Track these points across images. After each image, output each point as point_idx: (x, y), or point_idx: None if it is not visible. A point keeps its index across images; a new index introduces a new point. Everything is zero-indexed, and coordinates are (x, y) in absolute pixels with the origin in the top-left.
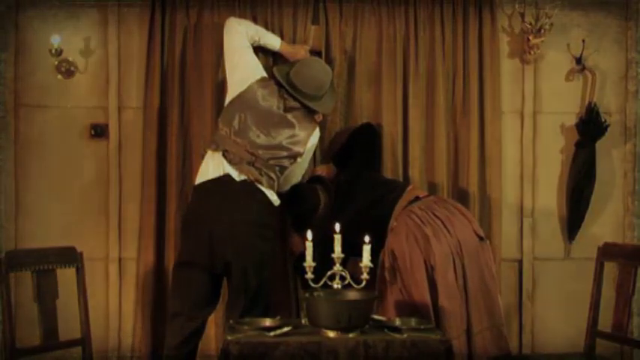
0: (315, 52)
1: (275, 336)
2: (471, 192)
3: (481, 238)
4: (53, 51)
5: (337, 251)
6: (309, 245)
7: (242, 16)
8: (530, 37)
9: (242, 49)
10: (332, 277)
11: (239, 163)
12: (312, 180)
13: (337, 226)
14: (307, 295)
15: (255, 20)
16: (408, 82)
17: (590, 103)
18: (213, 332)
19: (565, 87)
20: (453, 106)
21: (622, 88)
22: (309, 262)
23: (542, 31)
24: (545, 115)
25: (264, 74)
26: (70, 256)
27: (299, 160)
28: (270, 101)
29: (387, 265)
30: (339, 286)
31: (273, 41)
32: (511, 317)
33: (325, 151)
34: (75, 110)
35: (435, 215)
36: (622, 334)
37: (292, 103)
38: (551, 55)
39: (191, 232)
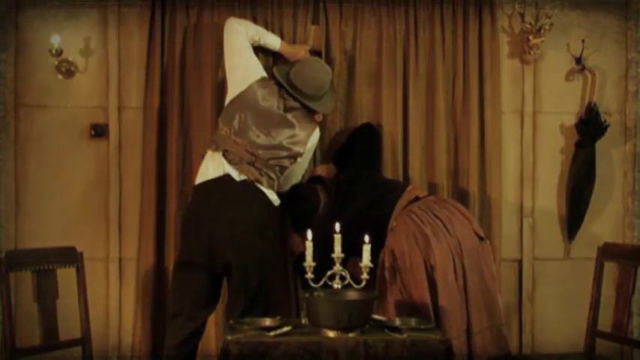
0: (315, 52)
1: (275, 336)
2: (470, 192)
3: (481, 238)
4: (53, 51)
5: (337, 251)
6: (309, 245)
7: (242, 16)
8: (530, 37)
9: (242, 49)
10: (332, 277)
11: (239, 163)
12: (312, 180)
13: (337, 226)
14: (307, 295)
15: (255, 20)
16: (408, 82)
17: (590, 103)
18: (213, 332)
19: (565, 87)
20: (453, 106)
21: (622, 88)
22: (309, 262)
23: (542, 31)
24: (545, 115)
25: (264, 74)
26: (70, 256)
27: (299, 160)
28: (270, 101)
29: (387, 265)
30: (339, 286)
31: (273, 41)
32: (511, 317)
33: (325, 151)
34: (75, 110)
35: (434, 215)
36: (622, 334)
37: (292, 103)
38: (551, 55)
39: (191, 232)
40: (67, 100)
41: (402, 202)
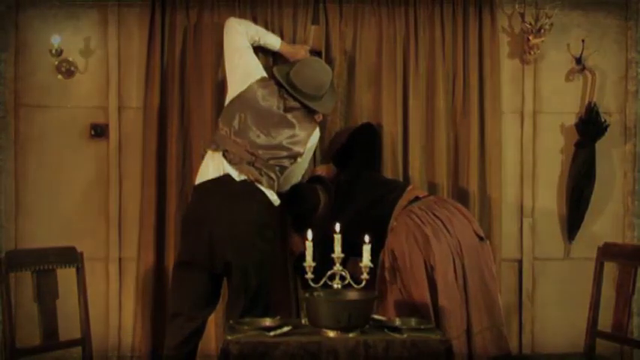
0: (315, 52)
1: (275, 336)
2: (471, 192)
3: (481, 238)
4: (53, 51)
5: (337, 251)
6: (309, 245)
7: (242, 16)
8: (530, 37)
9: (242, 49)
10: (332, 277)
11: (239, 163)
12: (312, 180)
13: (337, 226)
14: (307, 295)
15: (255, 20)
16: (408, 83)
17: (590, 103)
18: (213, 332)
19: (565, 87)
20: (453, 106)
21: (622, 88)
22: (309, 262)
23: (542, 31)
24: (545, 115)
25: (264, 74)
26: (70, 256)
27: (299, 160)
28: (270, 101)
29: (387, 265)
30: (339, 286)
31: (273, 41)
32: (511, 317)
33: (325, 151)
34: (75, 110)
35: (435, 215)
36: (622, 334)
37: (292, 103)
38: (551, 55)
39: (191, 232)
40: (67, 100)
41: (402, 202)
